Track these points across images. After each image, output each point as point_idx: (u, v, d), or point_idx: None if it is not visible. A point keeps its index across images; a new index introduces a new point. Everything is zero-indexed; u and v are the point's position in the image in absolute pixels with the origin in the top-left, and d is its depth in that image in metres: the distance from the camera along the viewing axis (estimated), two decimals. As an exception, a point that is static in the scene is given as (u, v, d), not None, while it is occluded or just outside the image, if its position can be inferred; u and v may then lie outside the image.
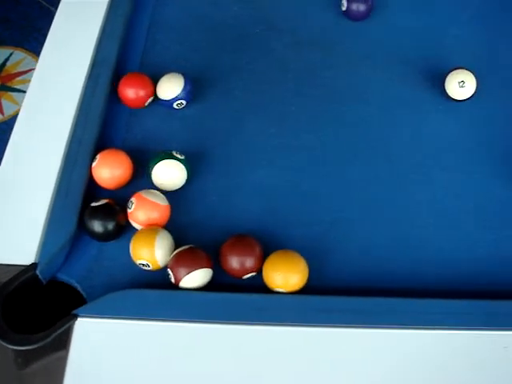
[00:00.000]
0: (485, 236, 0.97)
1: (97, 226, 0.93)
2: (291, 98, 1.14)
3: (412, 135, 1.09)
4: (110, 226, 0.93)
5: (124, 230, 0.95)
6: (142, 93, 1.09)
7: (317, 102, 1.13)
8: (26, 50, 2.20)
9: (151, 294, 0.87)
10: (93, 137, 1.02)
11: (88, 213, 0.94)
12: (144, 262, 0.90)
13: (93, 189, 1.00)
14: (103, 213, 0.93)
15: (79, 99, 1.06)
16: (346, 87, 1.16)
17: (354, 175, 1.04)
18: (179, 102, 1.09)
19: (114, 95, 1.10)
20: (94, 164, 0.99)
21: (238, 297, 0.87)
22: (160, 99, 1.09)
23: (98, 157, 0.99)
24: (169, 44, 1.21)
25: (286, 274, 0.88)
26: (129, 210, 0.94)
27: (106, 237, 0.94)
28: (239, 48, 1.21)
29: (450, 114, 1.12)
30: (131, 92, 1.09)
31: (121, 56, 1.15)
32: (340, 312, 0.85)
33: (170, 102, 1.09)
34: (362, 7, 1.21)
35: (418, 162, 1.06)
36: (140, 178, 1.02)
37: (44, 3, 2.30)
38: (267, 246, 0.93)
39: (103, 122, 1.06)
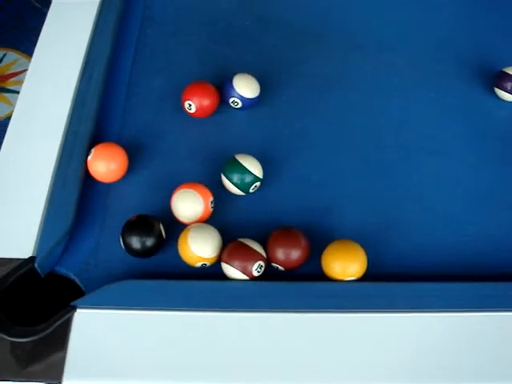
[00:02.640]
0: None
1: (135, 242, 0.92)
2: (283, 89, 1.16)
3: (401, 122, 1.12)
4: (150, 241, 0.92)
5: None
6: (206, 102, 1.08)
7: (308, 92, 1.15)
8: (19, 50, 2.21)
9: (147, 284, 0.88)
10: (88, 131, 1.03)
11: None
12: (206, 263, 0.91)
13: (89, 182, 1.01)
14: (142, 228, 0.92)
15: (73, 96, 1.07)
16: (337, 76, 1.18)
17: (345, 162, 1.06)
18: (235, 100, 1.10)
19: (106, 90, 1.11)
20: (89, 158, 0.99)
21: (233, 285, 0.88)
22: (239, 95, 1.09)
23: (93, 150, 1.00)
24: (160, 38, 1.22)
25: (345, 263, 0.89)
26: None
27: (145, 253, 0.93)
28: (230, 41, 1.23)
29: (438, 101, 1.15)
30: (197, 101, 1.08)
31: (114, 52, 1.16)
32: (336, 298, 0.86)
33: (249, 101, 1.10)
34: None
35: (408, 147, 1.08)
36: (135, 172, 1.03)
37: (36, 4, 2.31)
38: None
39: (98, 117, 1.07)
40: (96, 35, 1.16)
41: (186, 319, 0.84)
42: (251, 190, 0.99)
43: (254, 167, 0.98)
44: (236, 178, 0.98)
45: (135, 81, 1.14)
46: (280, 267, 0.91)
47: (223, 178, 0.99)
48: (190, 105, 1.08)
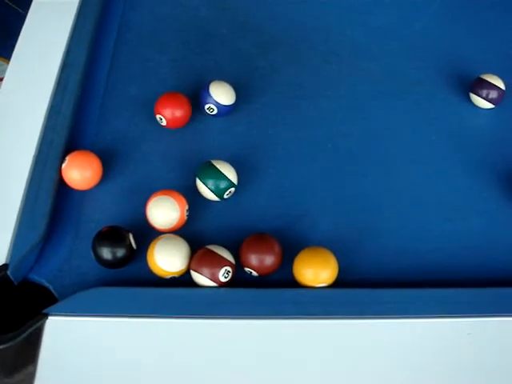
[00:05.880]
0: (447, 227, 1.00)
1: (106, 253, 0.91)
2: (258, 97, 1.16)
3: (376, 129, 1.12)
4: (120, 252, 0.92)
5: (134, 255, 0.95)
6: (178, 113, 1.08)
7: (282, 99, 1.16)
8: (3, 57, 2.20)
9: (120, 292, 0.88)
10: (63, 139, 1.03)
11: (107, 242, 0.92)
12: (175, 275, 0.91)
13: (63, 190, 1.01)
14: (112, 239, 0.92)
15: (49, 102, 1.07)
16: (312, 84, 1.18)
17: (319, 169, 1.07)
18: (211, 106, 1.10)
19: (81, 98, 1.11)
20: (63, 165, 1.00)
21: (205, 292, 0.88)
22: (216, 102, 1.09)
23: (67, 158, 1.00)
24: (138, 46, 1.22)
25: (316, 270, 0.89)
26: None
27: (116, 263, 0.93)
28: (207, 49, 1.23)
29: (413, 108, 1.16)
30: (168, 112, 1.07)
31: (90, 59, 1.17)
32: (307, 304, 0.87)
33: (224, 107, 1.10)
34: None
35: (382, 154, 1.09)
36: (109, 179, 1.03)
37: (20, 10, 2.30)
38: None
39: (73, 124, 1.07)
40: (73, 41, 1.16)
41: (160, 326, 0.84)
42: (225, 196, 0.99)
43: (229, 173, 0.99)
44: (212, 183, 0.98)
45: (111, 88, 1.14)
46: (254, 272, 0.91)
47: (198, 182, 0.99)
48: (161, 118, 1.08)
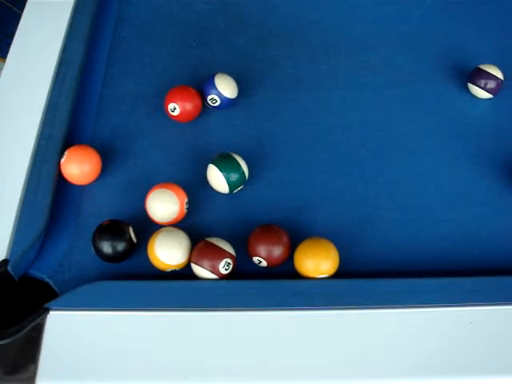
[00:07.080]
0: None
1: (106, 247, 0.91)
2: (256, 90, 1.16)
3: (374, 120, 1.12)
4: (121, 246, 0.92)
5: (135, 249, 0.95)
6: (189, 106, 1.07)
7: (281, 92, 1.16)
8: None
9: (121, 285, 0.88)
10: (61, 134, 1.03)
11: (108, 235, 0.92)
12: (175, 268, 0.91)
13: (62, 185, 1.00)
14: (112, 233, 0.92)
15: (47, 98, 1.07)
16: (310, 76, 1.18)
17: (319, 161, 1.07)
18: (214, 97, 1.09)
19: (80, 93, 1.11)
20: (62, 160, 0.99)
21: (206, 284, 0.88)
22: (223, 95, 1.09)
23: (66, 153, 1.00)
24: (134, 40, 1.22)
25: (317, 261, 0.89)
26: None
27: (117, 257, 0.93)
28: (204, 43, 1.23)
29: (412, 99, 1.16)
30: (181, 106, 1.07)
31: (87, 54, 1.16)
32: (309, 295, 0.87)
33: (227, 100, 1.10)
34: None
35: (381, 145, 1.09)
36: (108, 174, 1.03)
37: (16, 9, 2.29)
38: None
39: (71, 119, 1.06)
40: (70, 37, 1.16)
41: (161, 319, 0.84)
42: (235, 191, 0.99)
43: (246, 170, 0.99)
44: (231, 175, 0.97)
45: (109, 83, 1.14)
46: (263, 262, 0.91)
47: (214, 170, 0.98)
48: (175, 108, 1.07)
